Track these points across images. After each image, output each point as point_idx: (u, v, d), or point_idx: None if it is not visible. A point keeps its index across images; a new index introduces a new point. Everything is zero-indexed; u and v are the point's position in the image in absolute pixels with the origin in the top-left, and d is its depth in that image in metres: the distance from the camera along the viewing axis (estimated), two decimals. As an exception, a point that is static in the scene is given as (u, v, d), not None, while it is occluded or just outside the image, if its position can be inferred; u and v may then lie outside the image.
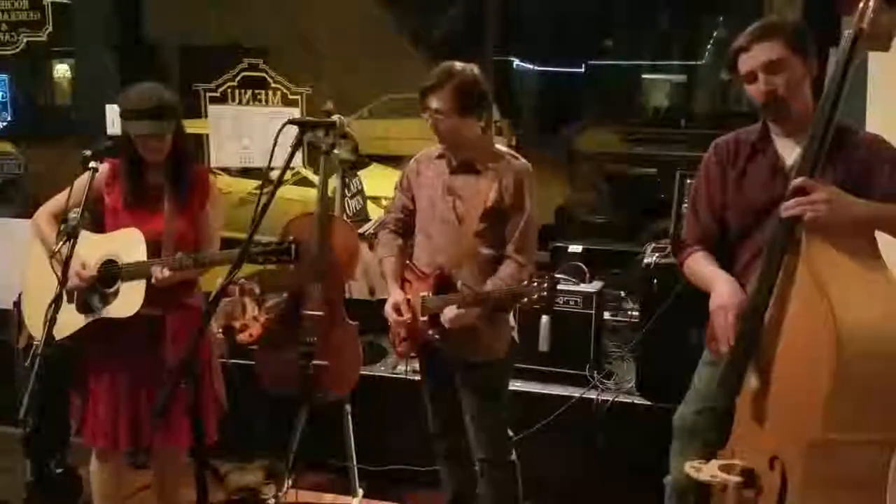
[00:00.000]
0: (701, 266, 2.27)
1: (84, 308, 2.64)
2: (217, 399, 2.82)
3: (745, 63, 2.11)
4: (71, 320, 2.61)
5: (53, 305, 2.30)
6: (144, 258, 2.61)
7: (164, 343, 2.68)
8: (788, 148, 2.18)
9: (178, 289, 2.68)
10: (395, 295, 2.75)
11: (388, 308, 2.75)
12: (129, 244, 2.64)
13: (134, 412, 2.69)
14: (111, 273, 2.64)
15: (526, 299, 2.45)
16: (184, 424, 2.58)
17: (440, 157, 2.75)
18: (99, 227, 2.73)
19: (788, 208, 1.86)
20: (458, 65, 2.59)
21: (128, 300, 2.62)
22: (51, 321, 2.29)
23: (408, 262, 2.83)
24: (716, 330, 2.08)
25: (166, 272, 2.55)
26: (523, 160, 2.69)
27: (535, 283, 2.44)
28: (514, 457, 2.84)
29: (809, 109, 2.12)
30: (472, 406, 2.76)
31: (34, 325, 2.68)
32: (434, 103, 2.56)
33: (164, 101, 2.59)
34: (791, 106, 2.11)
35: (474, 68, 2.61)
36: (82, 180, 2.66)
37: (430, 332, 2.67)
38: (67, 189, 2.68)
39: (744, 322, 1.97)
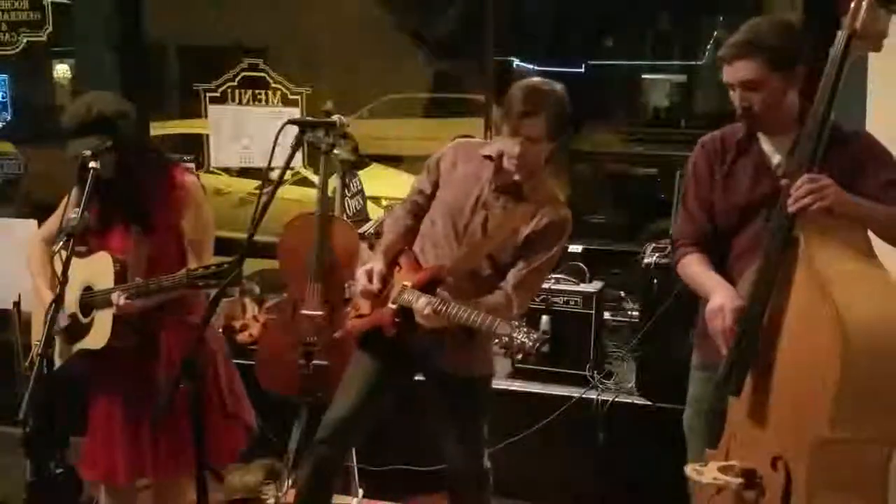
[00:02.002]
0: (697, 269, 2.26)
1: (70, 338, 2.53)
2: (240, 421, 2.66)
3: (726, 74, 2.14)
4: (63, 350, 2.52)
5: (54, 305, 2.29)
6: (112, 284, 2.44)
7: (159, 372, 2.53)
8: (773, 146, 2.20)
9: (170, 308, 2.51)
10: (375, 263, 2.57)
11: (359, 271, 2.58)
12: (100, 270, 2.47)
13: (131, 443, 2.55)
14: (89, 302, 2.50)
15: (507, 338, 2.25)
16: (187, 453, 2.39)
17: (488, 157, 2.53)
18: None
19: (797, 199, 1.86)
20: (546, 85, 2.42)
21: (99, 331, 2.47)
22: (51, 321, 2.27)
23: (408, 249, 2.65)
24: (713, 333, 2.06)
25: (122, 300, 2.35)
26: (566, 209, 2.52)
27: (525, 329, 2.24)
28: (487, 464, 2.70)
29: (794, 113, 2.15)
30: (456, 419, 2.63)
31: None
32: (528, 130, 2.36)
33: (93, 116, 2.34)
34: (767, 120, 2.14)
35: (557, 86, 2.43)
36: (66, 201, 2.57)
37: (389, 324, 2.50)
38: (58, 210, 2.57)
39: (743, 323, 1.97)
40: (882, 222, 1.97)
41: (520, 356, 2.36)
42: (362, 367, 2.65)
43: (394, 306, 2.50)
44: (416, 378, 2.71)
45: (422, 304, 2.37)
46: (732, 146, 2.26)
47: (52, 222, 2.65)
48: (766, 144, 2.21)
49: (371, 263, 2.58)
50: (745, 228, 2.21)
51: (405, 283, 2.51)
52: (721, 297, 2.07)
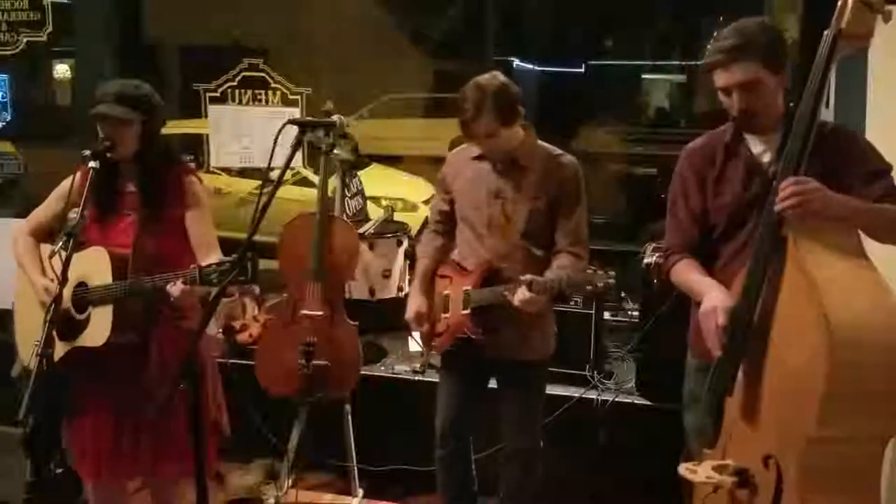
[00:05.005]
0: (688, 274, 2.28)
1: (63, 335, 2.49)
2: (217, 427, 2.68)
3: (721, 78, 2.14)
4: (56, 348, 2.42)
5: (53, 306, 2.27)
6: (110, 279, 2.43)
7: (148, 371, 2.52)
8: (761, 145, 2.22)
9: (165, 311, 2.47)
10: (414, 303, 2.80)
11: (409, 315, 2.80)
12: (96, 265, 2.46)
13: (118, 444, 2.54)
14: (83, 298, 2.48)
15: (590, 287, 2.42)
16: (175, 454, 2.46)
17: (479, 157, 2.71)
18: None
19: (783, 200, 1.87)
20: (483, 81, 2.54)
21: (97, 328, 2.45)
22: (50, 321, 2.26)
23: (452, 259, 2.83)
24: (706, 333, 2.07)
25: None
26: (570, 157, 2.68)
27: (600, 272, 2.42)
28: (540, 444, 2.84)
29: (780, 111, 2.17)
30: (515, 405, 2.76)
31: (26, 353, 2.56)
32: (481, 131, 2.53)
33: (135, 91, 2.46)
34: (763, 119, 2.16)
35: (498, 75, 2.58)
36: (59, 191, 2.59)
37: (473, 327, 2.65)
38: (47, 201, 2.60)
39: (733, 323, 1.98)
40: (870, 221, 1.98)
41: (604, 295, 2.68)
42: (449, 384, 2.86)
43: (467, 311, 2.66)
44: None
45: (520, 293, 2.47)
46: (720, 149, 2.28)
47: (39, 215, 2.64)
48: (753, 145, 2.23)
49: (413, 304, 2.81)
50: (741, 229, 2.22)
51: (465, 288, 2.68)
52: (714, 299, 2.08)
